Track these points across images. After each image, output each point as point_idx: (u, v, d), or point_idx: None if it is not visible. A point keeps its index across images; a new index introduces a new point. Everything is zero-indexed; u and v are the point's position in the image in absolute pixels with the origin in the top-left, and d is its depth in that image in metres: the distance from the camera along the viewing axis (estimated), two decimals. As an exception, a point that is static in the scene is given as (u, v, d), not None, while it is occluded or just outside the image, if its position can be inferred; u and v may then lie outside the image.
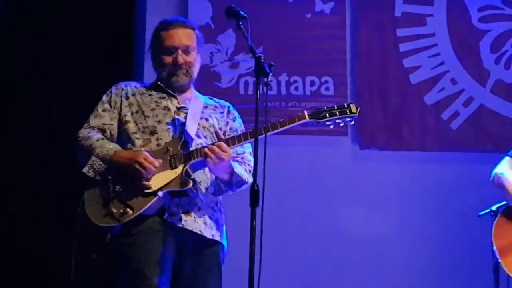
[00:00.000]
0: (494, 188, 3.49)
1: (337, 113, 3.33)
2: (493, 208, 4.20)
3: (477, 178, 5.16)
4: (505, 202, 4.09)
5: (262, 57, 3.02)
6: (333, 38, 5.69)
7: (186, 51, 3.49)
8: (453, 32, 5.72)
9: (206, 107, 3.57)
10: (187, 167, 3.29)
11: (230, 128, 3.57)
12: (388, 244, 5.42)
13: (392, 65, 5.68)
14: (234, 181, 3.40)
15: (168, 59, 3.47)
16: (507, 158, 3.46)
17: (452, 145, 5.61)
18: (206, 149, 3.25)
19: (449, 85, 5.68)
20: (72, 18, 5.40)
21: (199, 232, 3.32)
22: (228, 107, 3.65)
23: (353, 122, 3.39)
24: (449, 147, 5.61)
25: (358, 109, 3.33)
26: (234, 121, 3.61)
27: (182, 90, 3.55)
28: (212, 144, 3.27)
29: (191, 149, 3.34)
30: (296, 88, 5.66)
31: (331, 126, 3.38)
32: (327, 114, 3.33)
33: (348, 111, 3.33)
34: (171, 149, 3.33)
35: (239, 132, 3.51)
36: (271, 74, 3.01)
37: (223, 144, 3.26)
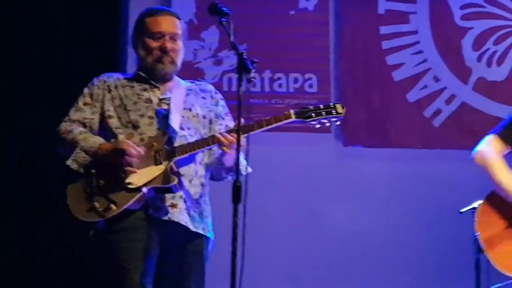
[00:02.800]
0: (476, 167, 3.41)
1: (323, 113, 3.32)
2: (475, 205, 4.22)
3: (459, 175, 5.20)
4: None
5: (245, 54, 3.01)
6: (317, 35, 5.70)
7: (173, 38, 3.46)
8: (436, 30, 5.74)
9: (188, 94, 3.53)
10: (171, 163, 3.28)
11: (215, 114, 3.55)
12: (372, 240, 5.44)
13: (375, 62, 5.70)
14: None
15: (155, 44, 3.43)
16: (490, 136, 3.39)
17: (434, 142, 5.64)
18: (221, 137, 3.22)
19: (431, 83, 5.70)
20: (55, 13, 5.38)
21: (184, 224, 3.31)
22: (211, 90, 3.62)
23: (338, 123, 3.38)
24: (432, 144, 5.63)
25: (344, 109, 3.32)
26: (217, 105, 3.58)
27: (165, 79, 3.51)
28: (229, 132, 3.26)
29: (175, 144, 3.32)
30: (280, 85, 5.66)
31: (317, 126, 3.37)
32: (313, 114, 3.31)
33: (334, 111, 3.32)
34: (155, 144, 3.31)
35: (224, 116, 3.53)
36: (253, 70, 2.99)
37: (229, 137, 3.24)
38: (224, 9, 3.12)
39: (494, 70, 5.72)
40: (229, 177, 3.46)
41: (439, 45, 5.74)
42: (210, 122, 3.53)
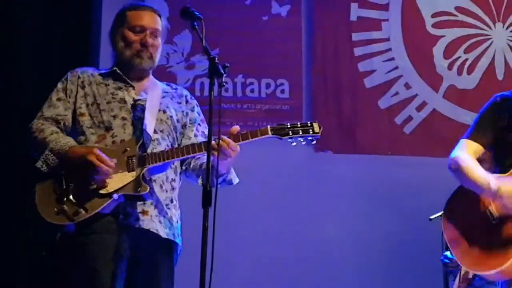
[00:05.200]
0: (453, 175, 3.44)
1: (300, 131, 3.30)
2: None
3: (429, 183, 5.23)
4: None
5: (217, 58, 3.00)
6: (289, 41, 5.72)
7: (154, 34, 3.42)
8: (408, 37, 5.79)
9: (164, 97, 3.49)
10: (144, 170, 3.25)
11: (190, 119, 3.52)
12: (340, 246, 5.46)
13: (347, 68, 5.73)
14: (227, 178, 3.38)
15: (136, 38, 3.38)
16: (463, 141, 3.43)
17: (405, 149, 5.67)
18: (215, 144, 3.11)
19: (402, 90, 5.74)
20: (28, 12, 5.34)
21: (155, 231, 3.29)
22: (186, 95, 3.58)
23: (314, 142, 3.36)
24: (402, 151, 5.67)
25: (321, 129, 3.30)
26: (193, 111, 3.55)
27: (141, 76, 3.46)
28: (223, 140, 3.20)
29: (148, 149, 3.29)
30: (252, 90, 5.67)
31: (293, 144, 3.36)
32: (290, 132, 3.29)
33: (311, 130, 3.30)
34: (129, 149, 3.26)
35: (200, 122, 3.51)
36: (225, 75, 2.99)
37: (232, 142, 3.21)
38: (197, 13, 3.11)
39: (465, 78, 5.78)
40: (222, 182, 3.39)
41: (411, 53, 5.78)
42: (184, 127, 3.50)
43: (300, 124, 3.32)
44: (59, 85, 3.44)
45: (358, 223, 5.53)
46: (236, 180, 3.44)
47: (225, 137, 3.18)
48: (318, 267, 5.43)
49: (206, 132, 3.40)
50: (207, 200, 2.84)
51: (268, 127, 3.30)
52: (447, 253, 4.45)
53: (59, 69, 3.62)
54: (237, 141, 3.25)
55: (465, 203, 3.30)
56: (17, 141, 3.51)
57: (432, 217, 4.47)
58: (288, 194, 5.46)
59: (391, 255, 5.48)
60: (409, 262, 5.43)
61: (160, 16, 3.51)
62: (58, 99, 3.41)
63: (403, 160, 5.63)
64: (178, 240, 3.41)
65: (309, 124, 3.31)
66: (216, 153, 3.04)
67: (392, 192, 5.53)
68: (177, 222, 3.43)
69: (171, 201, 3.41)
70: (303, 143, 3.34)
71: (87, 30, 5.48)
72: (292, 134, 3.30)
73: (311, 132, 3.30)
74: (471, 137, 3.38)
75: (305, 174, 5.55)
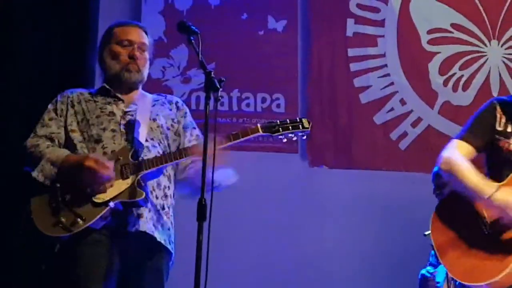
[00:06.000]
0: (443, 175, 3.35)
1: (290, 127, 3.34)
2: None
3: (424, 198, 5.21)
4: None
5: (213, 73, 3.02)
6: (285, 56, 5.74)
7: (141, 48, 3.48)
8: (403, 54, 5.81)
9: (154, 105, 3.53)
10: (138, 177, 3.27)
11: (183, 126, 3.56)
12: (336, 262, 5.45)
13: (342, 84, 5.75)
14: (221, 183, 3.36)
15: (123, 51, 3.44)
16: (455, 141, 3.35)
17: (400, 165, 5.68)
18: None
19: (398, 106, 5.75)
20: (28, 12, 5.34)
21: (151, 233, 3.30)
22: (177, 102, 3.62)
23: (305, 137, 3.40)
24: (397, 167, 5.67)
25: (310, 124, 3.35)
26: (185, 117, 3.59)
27: (131, 89, 3.51)
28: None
29: (141, 157, 3.31)
30: (248, 105, 5.68)
31: (284, 140, 3.38)
32: (280, 128, 3.33)
33: (300, 125, 3.34)
34: (121, 158, 3.29)
35: (195, 126, 3.55)
36: (221, 89, 3.01)
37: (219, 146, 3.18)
38: (193, 27, 3.13)
39: (460, 94, 5.79)
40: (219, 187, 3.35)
41: (406, 69, 5.80)
42: (177, 133, 3.53)
43: (290, 120, 3.35)
44: (50, 107, 3.49)
45: (353, 239, 5.52)
46: (233, 179, 3.41)
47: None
48: (314, 282, 5.41)
49: (201, 135, 3.46)
50: (202, 214, 2.85)
51: (258, 125, 3.34)
52: (429, 268, 4.45)
53: (59, 69, 3.65)
54: (229, 141, 3.28)
55: (455, 210, 3.24)
56: (17, 141, 3.52)
57: (426, 233, 4.44)
58: (283, 209, 5.46)
59: (386, 271, 5.47)
60: (404, 278, 5.41)
61: (146, 32, 3.56)
62: (50, 119, 3.46)
63: (398, 176, 5.63)
64: (170, 247, 3.42)
65: (298, 120, 3.35)
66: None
67: (387, 208, 5.53)
68: (168, 229, 3.43)
69: (163, 208, 3.41)
70: (294, 138, 3.37)
71: (87, 30, 5.49)
72: (282, 131, 3.33)
73: (300, 128, 3.34)
74: (464, 138, 3.29)
75: (300, 189, 5.55)
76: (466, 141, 3.31)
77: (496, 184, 3.15)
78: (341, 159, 5.66)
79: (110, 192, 3.23)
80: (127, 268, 3.30)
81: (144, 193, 3.25)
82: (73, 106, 3.47)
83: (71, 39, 5.32)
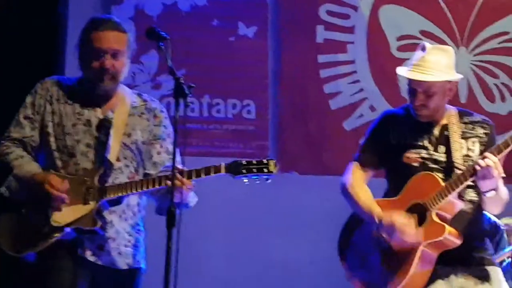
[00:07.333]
0: (344, 198, 3.50)
1: (254, 169, 3.23)
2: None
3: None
4: None
5: (182, 78, 3.00)
6: (256, 62, 5.75)
7: (115, 55, 3.33)
8: (373, 60, 5.85)
9: (132, 115, 3.40)
10: (99, 204, 3.21)
11: (154, 136, 3.41)
12: (305, 267, 5.46)
13: (313, 90, 5.77)
14: (184, 203, 3.28)
15: (95, 63, 3.30)
16: (351, 163, 3.47)
17: (370, 171, 5.70)
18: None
19: (367, 112, 5.79)
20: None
21: (111, 266, 3.26)
22: (155, 109, 3.46)
23: (269, 180, 3.28)
24: (367, 173, 5.70)
25: (277, 167, 3.24)
26: (158, 126, 3.43)
27: (107, 94, 3.39)
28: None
29: (110, 179, 3.25)
30: (218, 111, 5.68)
31: (245, 182, 3.28)
32: (244, 170, 3.23)
33: (265, 168, 3.22)
34: (87, 180, 3.23)
35: (165, 137, 3.40)
36: (190, 95, 2.99)
37: (187, 182, 3.15)
38: (162, 33, 3.11)
39: (429, 101, 5.83)
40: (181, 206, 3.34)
41: (376, 75, 5.84)
42: (147, 143, 3.41)
43: (256, 161, 3.24)
44: (28, 99, 3.39)
45: (324, 245, 5.52)
46: (195, 200, 3.36)
47: (180, 177, 3.11)
48: (282, 288, 5.42)
49: (170, 148, 3.33)
50: (171, 221, 2.83)
51: (222, 164, 3.24)
52: None
53: (23, 81, 3.58)
54: (190, 178, 3.19)
55: (358, 229, 3.40)
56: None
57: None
58: (253, 216, 5.46)
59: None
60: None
61: (124, 31, 3.43)
62: (25, 117, 3.36)
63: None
64: (142, 265, 3.38)
65: (265, 162, 3.23)
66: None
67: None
68: (140, 246, 3.39)
69: (133, 227, 3.36)
70: (257, 182, 3.27)
71: (55, 35, 5.46)
72: (246, 173, 3.23)
73: (265, 171, 3.22)
74: (360, 159, 3.43)
75: (270, 195, 5.54)
76: (362, 163, 3.44)
77: (390, 199, 3.33)
78: (311, 165, 5.68)
79: (68, 216, 3.18)
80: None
81: (100, 223, 3.19)
82: (51, 104, 3.36)
83: (39, 45, 5.27)
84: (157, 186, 3.21)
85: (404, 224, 3.19)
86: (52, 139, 3.33)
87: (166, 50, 3.08)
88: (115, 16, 5.51)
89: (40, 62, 5.26)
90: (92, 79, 3.35)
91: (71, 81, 3.49)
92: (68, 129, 3.33)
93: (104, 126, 3.35)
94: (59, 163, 3.30)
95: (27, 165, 3.28)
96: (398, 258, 3.23)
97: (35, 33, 5.34)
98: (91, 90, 3.38)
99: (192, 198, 3.34)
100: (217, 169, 3.24)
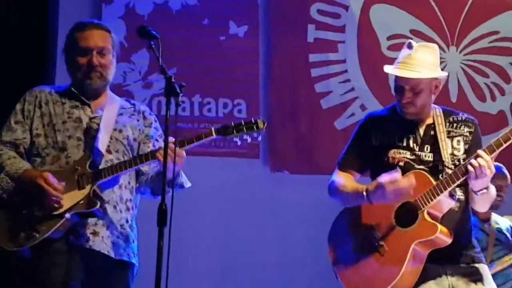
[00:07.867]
0: (335, 200, 3.53)
1: (244, 129, 3.30)
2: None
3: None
4: None
5: (173, 77, 3.01)
6: (247, 61, 5.76)
7: (101, 53, 3.40)
8: (363, 59, 5.86)
9: (121, 114, 3.48)
10: (94, 187, 3.25)
11: (146, 135, 3.50)
12: (296, 266, 5.47)
13: (304, 89, 5.78)
14: (178, 182, 3.34)
15: (82, 60, 3.38)
16: (336, 170, 3.52)
17: (361, 170, 5.71)
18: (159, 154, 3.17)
19: (358, 111, 5.80)
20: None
21: (106, 253, 3.28)
22: (144, 111, 3.56)
23: (260, 138, 3.37)
24: (358, 172, 5.71)
25: (265, 124, 3.31)
26: (149, 127, 3.53)
27: (97, 94, 3.47)
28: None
29: (100, 167, 3.29)
30: (209, 110, 5.68)
31: (238, 143, 3.36)
32: (234, 130, 3.30)
33: (254, 126, 3.29)
34: (79, 168, 3.28)
35: (158, 138, 3.49)
36: (181, 94, 3.00)
37: (177, 149, 3.16)
38: (153, 32, 3.12)
39: (420, 100, 5.85)
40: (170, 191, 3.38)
41: (367, 74, 5.85)
42: (140, 143, 3.49)
43: (244, 122, 3.31)
44: (18, 107, 3.46)
45: (314, 244, 5.53)
46: (188, 184, 3.42)
47: (172, 146, 3.13)
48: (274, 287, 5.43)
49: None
50: (162, 219, 2.84)
51: (212, 128, 3.31)
52: None
53: (13, 87, 3.60)
54: (183, 146, 3.24)
55: (348, 228, 3.42)
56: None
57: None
58: (244, 214, 5.46)
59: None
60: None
61: (109, 31, 3.48)
62: (16, 122, 3.42)
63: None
64: (134, 260, 3.41)
65: (253, 121, 3.30)
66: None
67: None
68: (133, 241, 3.42)
69: (127, 221, 3.40)
70: (249, 140, 3.35)
71: (45, 35, 5.47)
72: (236, 133, 3.30)
73: (255, 129, 3.30)
74: (343, 165, 3.47)
75: (261, 194, 5.56)
76: (345, 170, 3.46)
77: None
78: (303, 165, 5.69)
79: (66, 203, 3.22)
80: (91, 278, 3.28)
81: (98, 203, 3.23)
82: (40, 107, 3.43)
83: (30, 44, 5.26)
84: (150, 160, 3.26)
85: (390, 178, 3.19)
86: (41, 139, 3.39)
87: (157, 49, 3.09)
88: (106, 15, 5.56)
89: (31, 61, 5.27)
90: (80, 79, 3.42)
91: (60, 88, 3.56)
92: (59, 127, 3.39)
93: (94, 122, 3.42)
94: (48, 159, 3.34)
95: (19, 163, 3.32)
96: (389, 257, 3.24)
97: (25, 33, 5.33)
98: (81, 91, 3.44)
99: (185, 179, 3.39)
100: (208, 134, 3.31)
